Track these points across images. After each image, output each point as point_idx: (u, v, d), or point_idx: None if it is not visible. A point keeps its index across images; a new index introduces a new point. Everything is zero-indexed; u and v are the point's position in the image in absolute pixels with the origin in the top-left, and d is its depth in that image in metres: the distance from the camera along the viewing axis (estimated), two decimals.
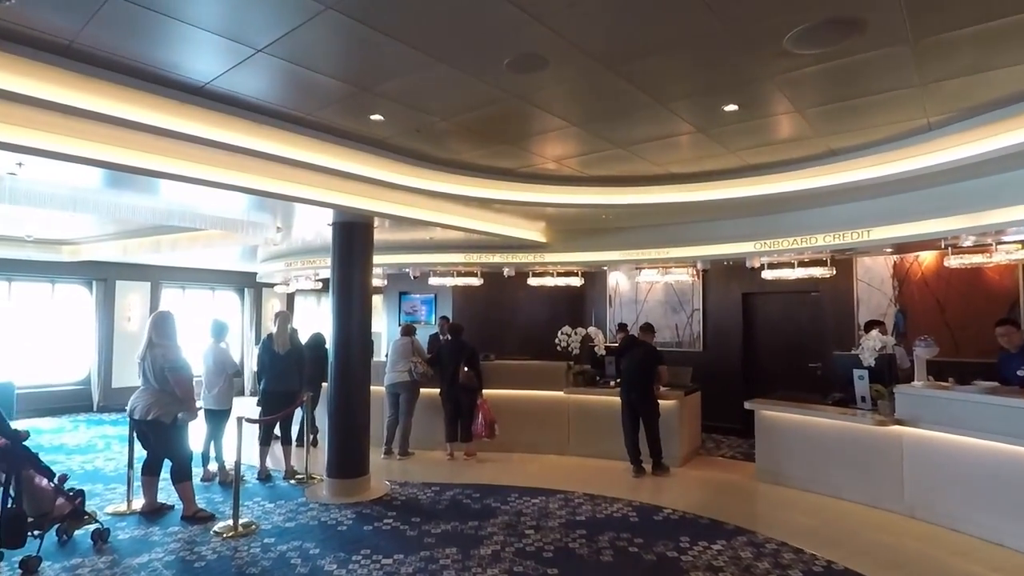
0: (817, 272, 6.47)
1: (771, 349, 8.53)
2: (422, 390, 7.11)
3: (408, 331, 7.35)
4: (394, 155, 4.91)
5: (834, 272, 6.55)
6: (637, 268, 7.78)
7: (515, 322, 9.76)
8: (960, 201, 4.86)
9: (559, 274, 8.29)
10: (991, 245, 5.04)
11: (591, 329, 7.45)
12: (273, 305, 12.90)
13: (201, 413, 6.01)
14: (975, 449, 4.51)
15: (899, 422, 5.00)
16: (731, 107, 3.73)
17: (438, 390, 7.05)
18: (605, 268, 8.82)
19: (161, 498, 5.26)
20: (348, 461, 5.74)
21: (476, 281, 8.61)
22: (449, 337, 7.20)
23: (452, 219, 6.53)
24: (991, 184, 4.65)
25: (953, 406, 4.66)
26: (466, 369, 6.85)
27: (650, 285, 9.30)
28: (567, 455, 7.10)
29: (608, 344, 7.62)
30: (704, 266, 7.44)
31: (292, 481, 6.12)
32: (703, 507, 5.24)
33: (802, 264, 6.50)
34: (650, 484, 6.10)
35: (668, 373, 6.57)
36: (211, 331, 6.25)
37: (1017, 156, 4.05)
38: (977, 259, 5.21)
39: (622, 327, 7.82)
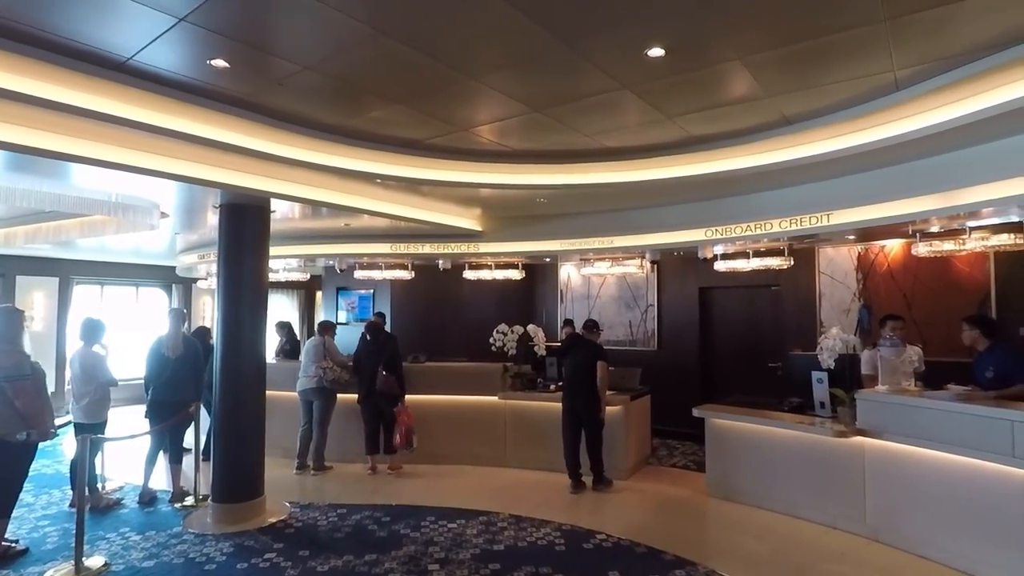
0: (773, 262, 5.84)
1: (730, 347, 7.93)
2: (343, 396, 6.34)
3: (323, 329, 6.54)
4: (277, 122, 4.11)
5: (792, 263, 5.92)
6: (583, 260, 7.07)
7: (459, 320, 9.00)
8: (930, 179, 4.24)
9: (498, 266, 7.54)
10: (963, 230, 4.43)
11: (530, 327, 6.72)
12: (204, 303, 11.93)
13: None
14: (945, 464, 3.90)
15: (861, 432, 4.38)
16: (656, 51, 3.00)
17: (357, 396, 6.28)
18: (548, 259, 8.08)
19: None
20: (236, 482, 4.92)
21: (406, 274, 7.82)
22: (368, 337, 6.39)
23: (371, 203, 5.74)
24: (965, 158, 4.03)
25: (920, 415, 4.05)
26: (384, 373, 6.07)
27: (603, 279, 8.64)
28: (504, 467, 6.38)
29: (549, 343, 6.89)
30: (653, 256, 6.78)
31: (178, 505, 5.28)
32: (642, 531, 4.56)
33: (757, 254, 5.85)
34: (588, 502, 5.41)
35: (612, 374, 5.90)
36: (80, 332, 5.36)
37: (996, 121, 3.42)
38: (948, 246, 4.61)
39: (568, 323, 7.11)
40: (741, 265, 6.00)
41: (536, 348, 6.76)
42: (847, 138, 3.94)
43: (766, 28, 2.84)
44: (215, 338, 5.06)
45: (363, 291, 9.85)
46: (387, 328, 6.67)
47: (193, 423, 5.71)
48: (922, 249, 4.78)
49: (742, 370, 7.65)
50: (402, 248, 7.31)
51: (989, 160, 3.89)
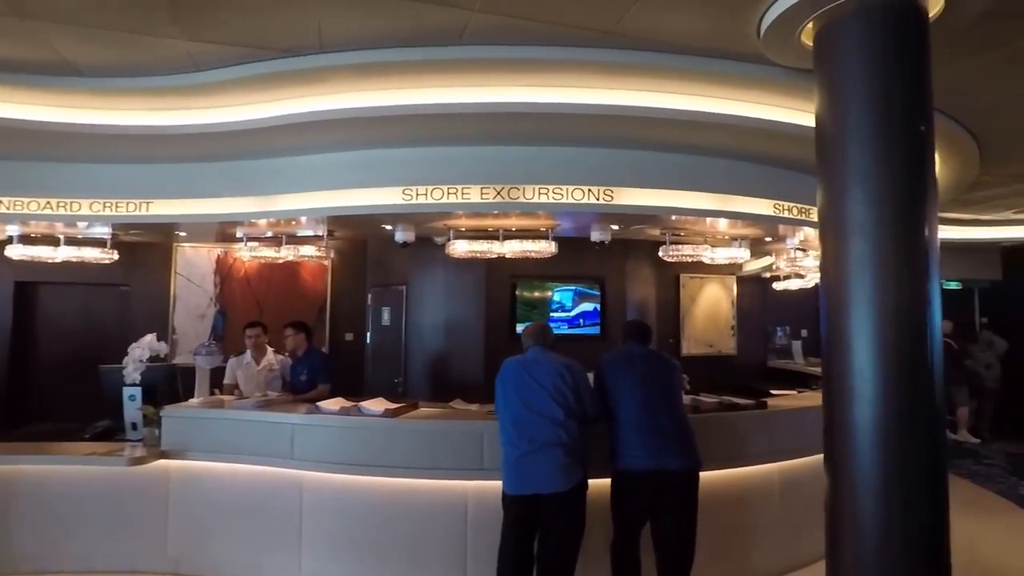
0: (93, 254, 4.76)
1: (60, 359, 6.28)
2: None
3: None
4: None
5: (116, 257, 4.98)
6: None
7: None
8: (251, 181, 4.12)
9: None
10: (282, 238, 4.58)
11: None
12: None
13: None
14: (244, 476, 3.76)
15: (164, 455, 3.84)
16: None
17: None
18: None
19: None
20: None
21: None
22: None
23: None
24: (282, 166, 4.09)
25: (224, 427, 3.81)
26: None
27: None
28: None
29: None
30: None
31: None
32: None
33: (72, 242, 4.65)
34: None
35: None
36: None
37: (300, 132, 3.49)
38: (269, 252, 4.69)
39: None
40: (48, 254, 4.64)
41: None
42: (151, 115, 3.36)
43: None
44: None
45: None
46: None
47: None
48: (245, 254, 4.72)
49: (75, 388, 6.12)
50: None
51: (302, 171, 4.04)
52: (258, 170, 4.09)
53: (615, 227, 4.40)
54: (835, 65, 2.44)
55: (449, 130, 3.46)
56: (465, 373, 5.78)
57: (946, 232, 7.44)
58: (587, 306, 6.05)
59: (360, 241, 6.37)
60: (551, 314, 5.94)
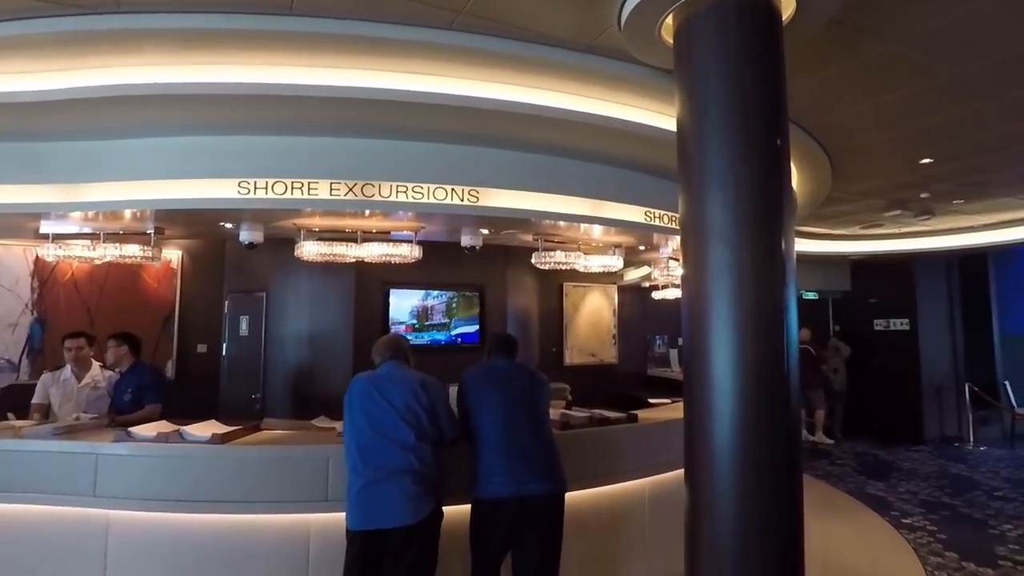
0: None
1: None
2: None
3: None
4: None
5: None
6: None
7: None
8: (55, 166, 3.43)
9: None
10: (99, 235, 3.88)
11: None
12: None
13: None
14: (29, 521, 3.08)
15: None
16: None
17: None
18: None
19: None
20: None
21: None
22: None
23: None
24: (96, 149, 3.44)
25: (6, 460, 3.11)
26: None
27: None
28: None
29: None
30: None
31: None
32: None
33: None
34: None
35: None
36: None
37: (100, 107, 2.92)
38: (83, 252, 3.94)
39: None
40: None
41: None
42: None
43: None
44: None
45: None
46: None
47: None
48: (49, 253, 3.97)
49: None
50: None
51: (117, 157, 3.41)
52: (60, 153, 3.40)
53: (485, 231, 4.16)
54: (693, 63, 2.34)
55: (290, 116, 3.05)
56: (331, 388, 5.28)
57: (805, 245, 7.98)
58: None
59: (217, 242, 5.70)
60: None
